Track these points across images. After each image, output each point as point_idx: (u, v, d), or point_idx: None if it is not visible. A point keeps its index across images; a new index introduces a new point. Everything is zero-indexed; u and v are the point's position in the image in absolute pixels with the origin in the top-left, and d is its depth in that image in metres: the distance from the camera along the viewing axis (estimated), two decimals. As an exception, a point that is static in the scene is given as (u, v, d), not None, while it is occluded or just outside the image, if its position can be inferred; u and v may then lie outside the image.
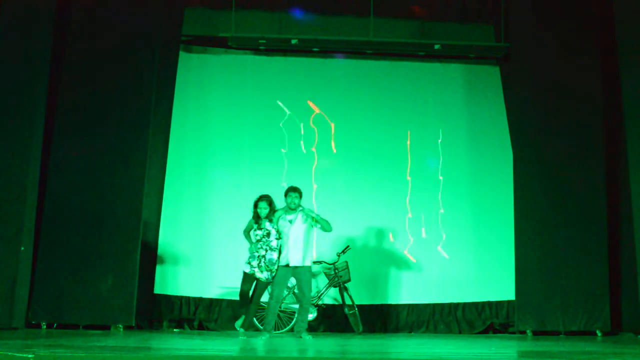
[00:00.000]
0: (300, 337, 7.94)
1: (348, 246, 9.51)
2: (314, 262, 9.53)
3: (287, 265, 7.89)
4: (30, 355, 5.13)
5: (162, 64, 9.43)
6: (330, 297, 9.60)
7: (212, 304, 9.66)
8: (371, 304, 9.76)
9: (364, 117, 10.23)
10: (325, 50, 10.21)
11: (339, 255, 9.45)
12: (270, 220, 7.93)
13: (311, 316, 9.26)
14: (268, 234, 7.89)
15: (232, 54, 10.25)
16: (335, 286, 9.41)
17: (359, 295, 9.66)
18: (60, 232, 8.85)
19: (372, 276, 9.87)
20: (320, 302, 9.42)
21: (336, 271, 9.37)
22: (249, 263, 7.93)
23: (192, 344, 7.09)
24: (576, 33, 9.56)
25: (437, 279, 9.91)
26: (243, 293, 8.00)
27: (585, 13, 9.60)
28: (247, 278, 7.98)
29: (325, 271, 9.51)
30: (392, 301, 9.83)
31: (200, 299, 9.65)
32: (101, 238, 8.85)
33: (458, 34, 10.34)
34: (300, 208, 7.96)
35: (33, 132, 8.71)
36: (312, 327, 9.45)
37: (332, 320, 9.66)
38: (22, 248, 8.49)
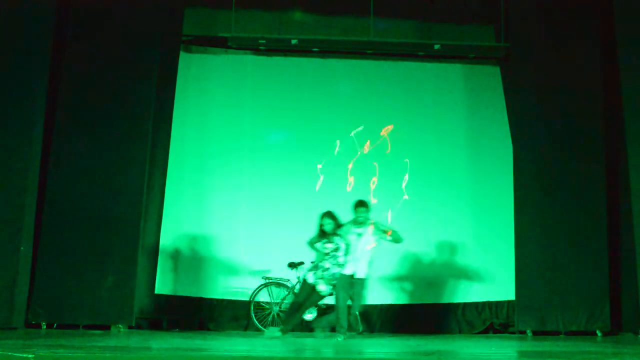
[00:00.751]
0: (337, 339, 7.95)
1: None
2: (313, 263, 9.54)
3: (352, 276, 8.00)
4: (30, 355, 5.13)
5: (162, 64, 9.44)
6: (331, 297, 9.58)
7: (212, 304, 9.66)
8: (371, 304, 9.75)
9: (364, 118, 10.22)
10: (325, 50, 10.22)
11: (339, 255, 9.45)
12: (339, 235, 8.02)
13: (310, 316, 9.27)
14: (337, 249, 7.98)
15: (232, 54, 10.26)
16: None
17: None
18: (60, 232, 8.85)
19: (372, 276, 9.84)
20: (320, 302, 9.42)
21: (336, 271, 9.37)
22: (314, 272, 8.01)
23: (192, 344, 7.09)
24: (576, 33, 9.57)
25: (436, 279, 9.90)
26: (296, 301, 8.09)
27: (585, 13, 9.60)
28: (305, 287, 8.08)
29: (325, 271, 9.51)
30: (392, 301, 9.83)
31: (201, 299, 9.65)
32: (101, 238, 8.85)
33: (458, 34, 10.34)
34: (371, 221, 8.04)
35: (33, 132, 8.71)
36: (312, 327, 9.45)
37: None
38: (22, 248, 8.49)
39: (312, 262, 8.42)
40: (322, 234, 8.07)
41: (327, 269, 7.97)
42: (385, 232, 8.03)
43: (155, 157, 9.49)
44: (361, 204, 8.06)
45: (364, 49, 10.17)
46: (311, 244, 8.24)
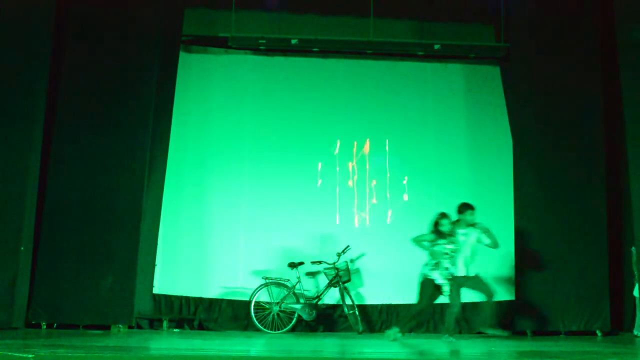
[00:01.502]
0: (487, 333, 8.34)
1: (348, 246, 9.52)
2: (313, 262, 9.54)
3: (464, 276, 8.15)
4: (30, 355, 5.13)
5: (162, 64, 9.43)
6: (330, 297, 9.60)
7: (212, 304, 9.66)
8: (371, 304, 9.76)
9: (364, 118, 10.23)
10: (325, 50, 10.22)
11: (339, 255, 9.46)
12: (454, 236, 8.11)
13: (311, 316, 9.29)
14: (455, 250, 8.06)
15: (232, 54, 10.26)
16: (335, 286, 9.41)
17: (359, 295, 9.67)
18: (60, 232, 8.85)
19: (372, 276, 9.86)
20: (320, 302, 9.43)
21: (336, 271, 9.38)
22: (438, 272, 7.99)
23: (192, 344, 7.09)
24: (576, 33, 9.57)
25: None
26: (419, 306, 8.04)
27: (585, 13, 9.60)
28: (429, 287, 7.97)
29: (325, 271, 9.51)
30: (392, 301, 9.82)
31: (200, 299, 9.65)
32: (101, 238, 8.85)
33: (458, 34, 10.34)
34: (476, 224, 8.24)
35: (33, 132, 8.71)
36: (312, 327, 9.46)
37: (332, 320, 9.67)
38: (22, 248, 8.49)
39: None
40: (439, 234, 8.05)
41: (447, 268, 7.99)
42: (487, 234, 8.21)
43: (155, 157, 9.49)
44: (468, 207, 8.27)
45: (364, 49, 10.17)
46: (418, 242, 8.12)
